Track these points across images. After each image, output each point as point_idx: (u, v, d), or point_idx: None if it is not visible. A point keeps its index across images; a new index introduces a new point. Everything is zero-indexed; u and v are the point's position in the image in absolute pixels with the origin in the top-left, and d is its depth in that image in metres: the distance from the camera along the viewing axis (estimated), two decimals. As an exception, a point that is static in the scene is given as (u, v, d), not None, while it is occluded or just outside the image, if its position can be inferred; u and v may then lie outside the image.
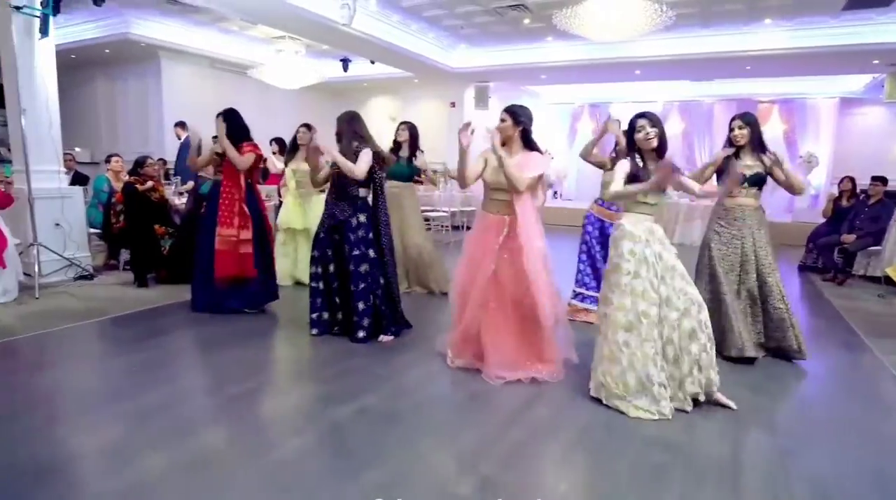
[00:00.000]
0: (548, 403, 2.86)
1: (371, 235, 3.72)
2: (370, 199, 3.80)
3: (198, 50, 9.70)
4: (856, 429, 2.69)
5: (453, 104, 12.22)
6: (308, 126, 4.87)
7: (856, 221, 6.35)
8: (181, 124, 8.25)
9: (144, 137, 10.07)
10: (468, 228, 3.40)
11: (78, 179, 6.82)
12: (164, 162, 8.29)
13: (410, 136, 5.14)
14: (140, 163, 5.50)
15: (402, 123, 5.22)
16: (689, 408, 2.77)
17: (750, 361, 3.45)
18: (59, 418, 2.64)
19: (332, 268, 3.74)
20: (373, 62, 10.20)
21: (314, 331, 3.81)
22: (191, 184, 5.99)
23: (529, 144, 3.19)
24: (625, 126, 3.25)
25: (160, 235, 5.38)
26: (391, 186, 5.18)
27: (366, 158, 3.59)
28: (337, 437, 2.50)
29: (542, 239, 3.13)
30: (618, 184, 2.83)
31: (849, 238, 6.27)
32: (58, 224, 5.32)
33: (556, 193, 13.05)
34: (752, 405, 2.87)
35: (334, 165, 3.64)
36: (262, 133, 5.87)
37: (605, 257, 4.16)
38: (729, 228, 3.59)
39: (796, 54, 8.25)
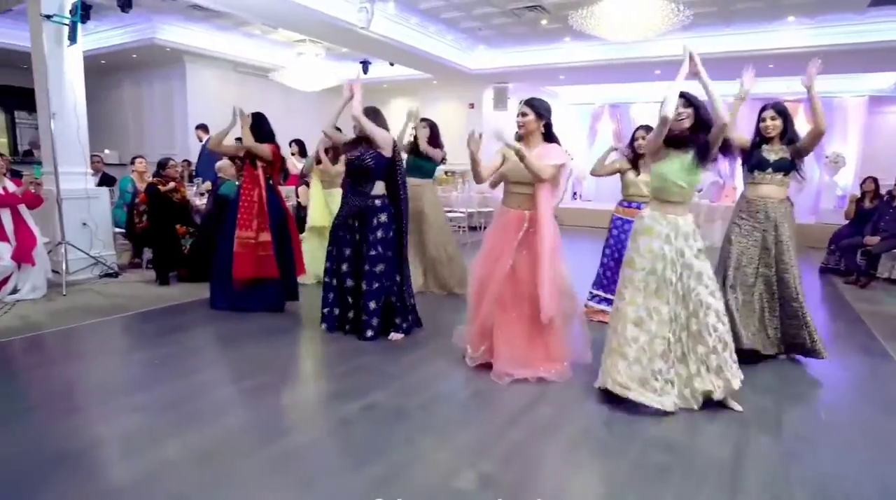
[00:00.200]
0: (552, 402, 2.88)
1: (391, 234, 3.76)
2: (388, 196, 3.82)
3: (221, 54, 9.92)
4: (865, 434, 2.65)
5: (472, 105, 12.25)
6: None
7: (880, 222, 6.20)
8: (202, 127, 8.45)
9: (170, 139, 10.34)
10: (486, 228, 3.43)
11: (105, 181, 7.04)
12: (189, 163, 8.52)
13: (431, 133, 5.13)
14: (162, 164, 5.67)
15: (422, 120, 5.20)
16: (696, 406, 2.77)
17: (750, 355, 3.36)
18: (81, 408, 2.77)
19: (345, 267, 3.80)
20: (392, 64, 10.30)
21: (324, 326, 3.89)
22: (208, 184, 6.15)
23: (550, 138, 3.21)
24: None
25: (181, 234, 5.54)
26: (412, 184, 5.20)
27: (387, 133, 3.70)
28: (342, 432, 2.57)
29: (557, 235, 3.15)
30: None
31: (872, 240, 6.13)
32: (85, 224, 5.51)
33: (575, 193, 12.99)
34: (759, 407, 2.85)
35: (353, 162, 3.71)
36: (283, 134, 5.98)
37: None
38: (750, 220, 3.51)
39: (821, 52, 8.04)
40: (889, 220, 6.14)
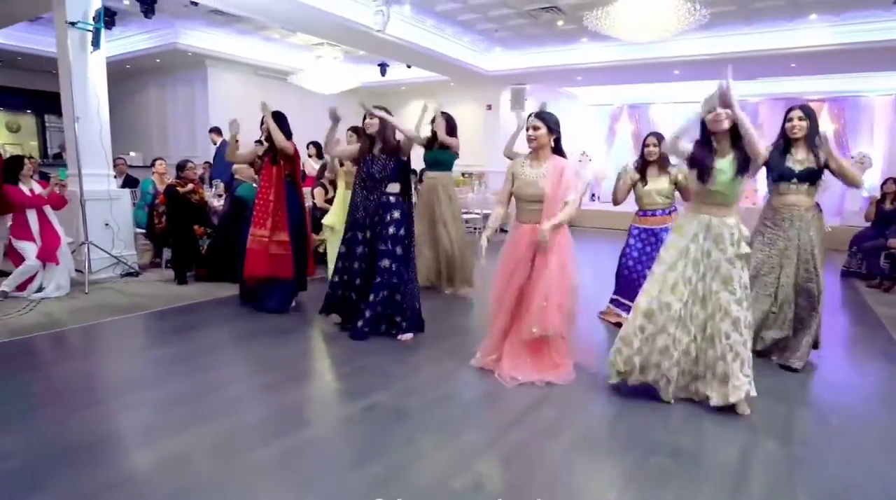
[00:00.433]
0: (555, 404, 2.88)
1: (402, 232, 3.80)
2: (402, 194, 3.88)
3: (242, 58, 10.11)
4: (877, 441, 2.59)
5: (489, 107, 12.26)
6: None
7: (904, 224, 6.05)
8: (216, 130, 8.61)
9: (192, 142, 10.56)
10: (503, 230, 3.46)
11: (129, 183, 7.22)
12: (210, 165, 8.69)
13: (448, 125, 5.14)
14: (181, 166, 5.80)
15: (439, 113, 5.19)
16: (697, 399, 2.84)
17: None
18: (96, 402, 2.85)
19: (356, 265, 3.86)
20: (409, 67, 10.37)
21: (324, 318, 4.06)
22: (223, 185, 6.28)
23: (558, 151, 3.23)
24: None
25: (199, 235, 5.66)
26: (428, 176, 5.23)
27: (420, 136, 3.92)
28: (344, 431, 2.61)
29: (570, 247, 3.18)
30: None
31: (896, 243, 5.98)
32: (107, 224, 5.67)
33: (593, 195, 12.89)
34: (769, 412, 2.81)
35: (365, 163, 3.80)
36: (301, 137, 6.07)
37: (646, 267, 4.15)
38: (774, 229, 3.46)
39: (845, 50, 7.91)
40: (914, 222, 5.99)
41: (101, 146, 5.56)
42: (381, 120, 3.77)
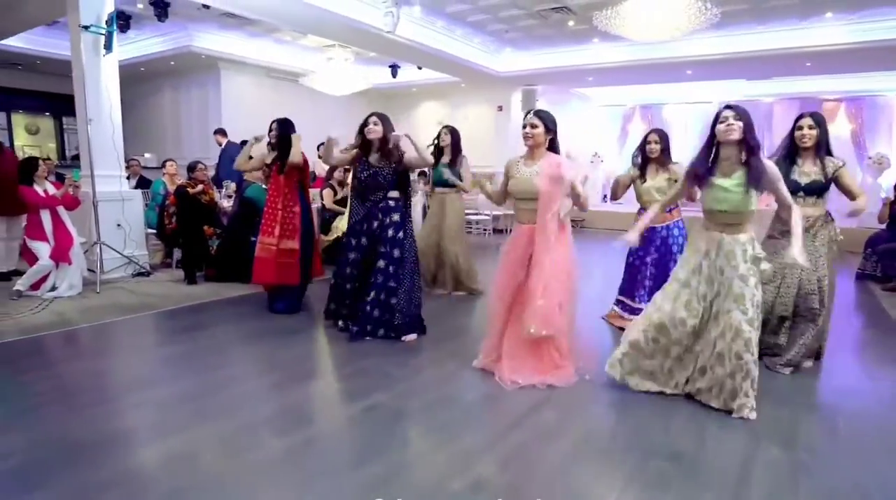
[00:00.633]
0: (556, 406, 2.86)
1: (401, 235, 3.82)
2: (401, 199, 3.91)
3: (254, 60, 10.19)
4: (884, 447, 2.54)
5: (500, 108, 12.24)
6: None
7: (921, 227, 5.92)
8: (221, 131, 8.69)
9: (205, 143, 10.65)
10: (511, 231, 3.46)
11: (143, 184, 7.32)
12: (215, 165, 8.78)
13: (452, 141, 5.19)
14: (191, 167, 5.87)
15: (443, 127, 5.27)
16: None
17: None
18: (103, 400, 2.89)
19: (347, 271, 3.90)
20: (420, 68, 10.39)
21: (327, 322, 4.11)
22: (233, 186, 6.33)
23: (553, 148, 3.22)
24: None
25: (209, 235, 5.72)
26: (437, 192, 5.34)
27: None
28: (345, 432, 2.62)
29: (569, 247, 3.15)
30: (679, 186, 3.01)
31: (913, 245, 5.86)
32: (119, 225, 5.75)
33: (605, 196, 12.80)
34: (773, 417, 2.76)
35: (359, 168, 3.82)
36: (313, 138, 6.13)
37: (652, 266, 4.11)
38: (782, 239, 3.37)
39: (862, 49, 7.76)
40: (931, 224, 5.86)
41: (113, 148, 5.64)
42: (384, 130, 3.75)
